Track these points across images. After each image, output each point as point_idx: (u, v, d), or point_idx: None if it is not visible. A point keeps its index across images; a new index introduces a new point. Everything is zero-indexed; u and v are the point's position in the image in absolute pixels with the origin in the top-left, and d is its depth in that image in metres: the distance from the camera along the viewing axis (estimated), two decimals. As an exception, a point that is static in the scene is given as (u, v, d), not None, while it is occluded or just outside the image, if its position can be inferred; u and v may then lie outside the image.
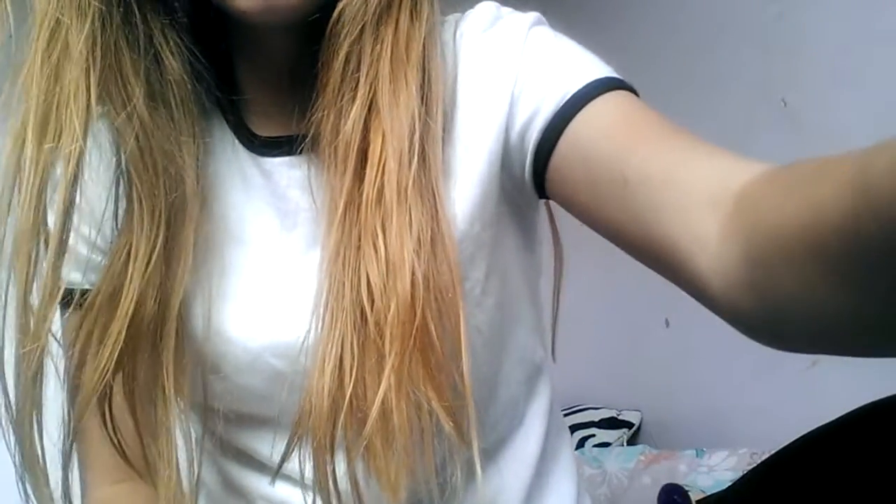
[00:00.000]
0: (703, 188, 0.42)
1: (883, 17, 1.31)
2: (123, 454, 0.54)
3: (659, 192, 0.45)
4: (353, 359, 0.49)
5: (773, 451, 0.56)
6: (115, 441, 0.54)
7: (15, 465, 0.51)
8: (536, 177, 0.55)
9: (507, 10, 0.59)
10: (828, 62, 1.41)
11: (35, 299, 0.50)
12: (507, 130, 0.55)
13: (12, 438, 0.51)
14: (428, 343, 0.50)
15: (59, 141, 0.48)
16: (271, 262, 0.58)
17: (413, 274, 0.49)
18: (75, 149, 0.48)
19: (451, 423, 0.50)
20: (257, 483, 0.63)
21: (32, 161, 0.48)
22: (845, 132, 1.22)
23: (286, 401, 0.55)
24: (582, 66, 0.54)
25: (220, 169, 0.58)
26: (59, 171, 0.49)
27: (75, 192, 0.49)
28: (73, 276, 0.56)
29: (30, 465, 0.50)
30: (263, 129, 0.58)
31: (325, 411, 0.49)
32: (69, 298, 0.54)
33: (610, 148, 0.49)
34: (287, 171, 0.57)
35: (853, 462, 0.50)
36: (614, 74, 0.54)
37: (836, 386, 1.40)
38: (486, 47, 0.56)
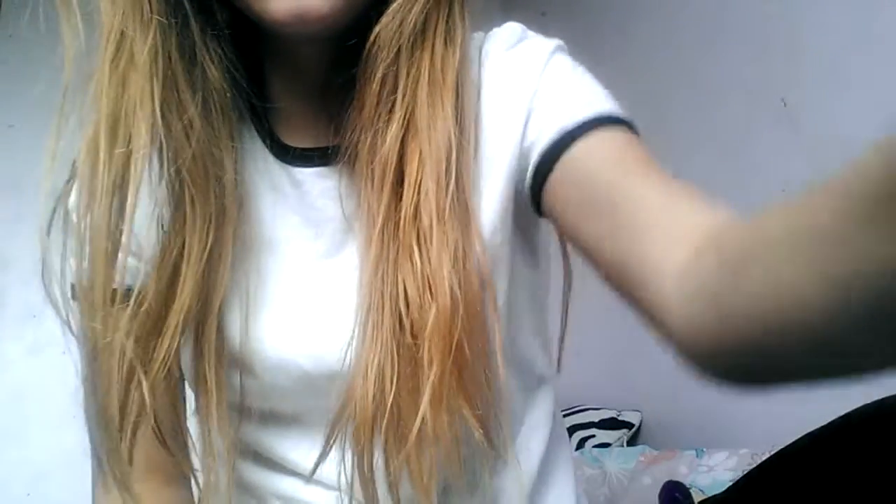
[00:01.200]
0: (680, 228, 0.44)
1: (883, 17, 1.31)
2: (165, 445, 0.56)
3: (641, 227, 0.47)
4: (393, 368, 0.51)
5: (773, 451, 0.57)
6: (159, 434, 0.55)
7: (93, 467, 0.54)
8: (534, 195, 0.57)
9: (531, 33, 0.61)
10: (828, 62, 1.41)
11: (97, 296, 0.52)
12: (520, 148, 0.56)
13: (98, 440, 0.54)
14: (461, 356, 0.52)
15: (129, 145, 0.51)
16: (301, 269, 0.60)
17: (451, 289, 0.51)
18: (144, 153, 0.51)
19: (480, 431, 0.53)
20: (269, 480, 0.63)
21: (105, 165, 0.51)
22: (845, 132, 1.23)
23: (314, 405, 0.57)
24: (589, 98, 0.56)
25: (252, 176, 0.60)
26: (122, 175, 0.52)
27: (139, 192, 0.52)
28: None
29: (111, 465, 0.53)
30: (294, 139, 0.60)
31: (370, 417, 0.52)
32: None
33: (604, 178, 0.51)
34: (319, 182, 0.59)
35: (853, 462, 0.50)
36: (616, 111, 0.56)
37: (834, 387, 1.40)
38: (509, 67, 0.58)
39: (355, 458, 0.53)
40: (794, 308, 0.29)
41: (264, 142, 0.60)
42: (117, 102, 0.51)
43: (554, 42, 0.60)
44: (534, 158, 0.55)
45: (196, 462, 0.58)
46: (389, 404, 0.51)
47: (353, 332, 0.54)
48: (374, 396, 0.51)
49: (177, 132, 0.52)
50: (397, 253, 0.53)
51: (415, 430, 0.51)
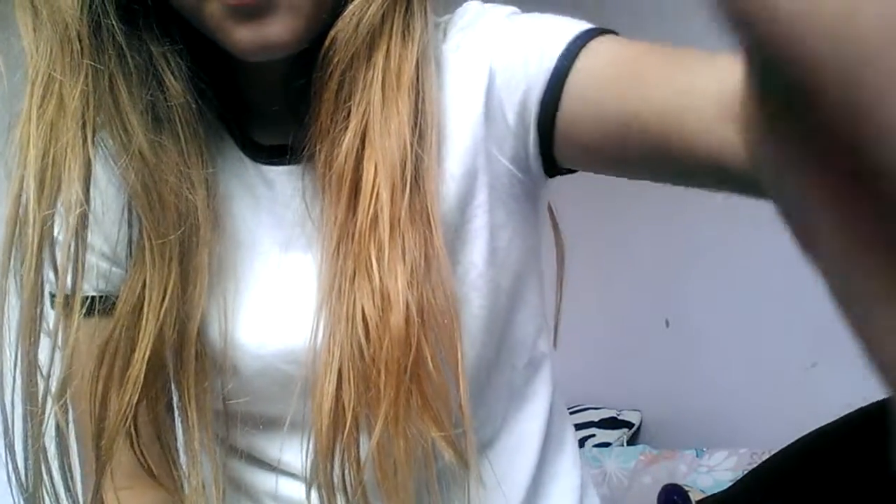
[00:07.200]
0: (716, 100, 0.41)
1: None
2: (151, 472, 0.55)
3: (677, 119, 0.43)
4: (350, 393, 0.50)
5: (773, 452, 0.57)
6: (144, 461, 0.54)
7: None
8: (544, 151, 0.54)
9: (489, 7, 0.59)
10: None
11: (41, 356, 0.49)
12: (488, 114, 0.54)
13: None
14: (424, 373, 0.50)
15: (59, 203, 0.48)
16: (277, 270, 0.58)
17: (407, 308, 0.49)
18: (78, 212, 0.48)
19: (451, 450, 0.51)
20: (263, 481, 0.63)
21: (32, 225, 0.47)
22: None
23: (303, 404, 0.56)
24: (558, 28, 0.53)
25: (226, 181, 0.59)
26: (63, 223, 0.49)
27: (82, 251, 0.49)
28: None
29: None
30: (264, 137, 0.59)
31: (324, 448, 0.50)
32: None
33: (613, 91, 0.48)
34: (290, 182, 0.58)
35: (852, 463, 0.50)
36: (592, 25, 0.53)
37: (835, 386, 1.40)
38: (464, 48, 0.56)
39: (321, 480, 0.51)
40: None
41: (236, 142, 0.59)
42: (45, 153, 0.47)
43: (507, 9, 0.57)
44: (532, 115, 0.52)
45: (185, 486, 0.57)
46: (347, 429, 0.50)
47: (308, 356, 0.52)
48: (328, 428, 0.50)
49: (122, 170, 0.50)
50: (354, 269, 0.50)
51: (368, 455, 0.49)
